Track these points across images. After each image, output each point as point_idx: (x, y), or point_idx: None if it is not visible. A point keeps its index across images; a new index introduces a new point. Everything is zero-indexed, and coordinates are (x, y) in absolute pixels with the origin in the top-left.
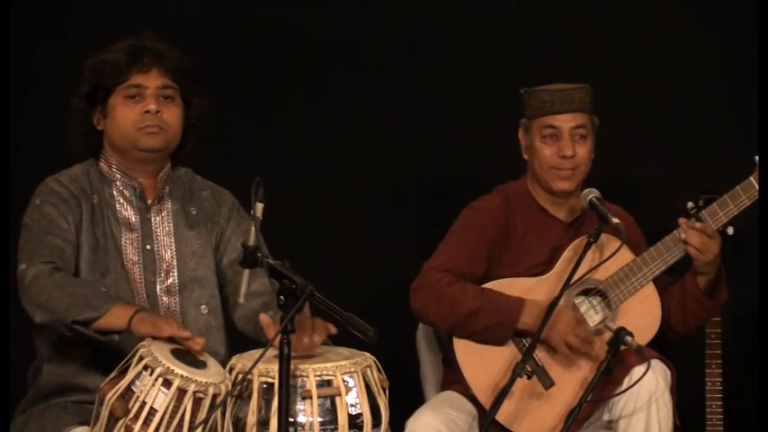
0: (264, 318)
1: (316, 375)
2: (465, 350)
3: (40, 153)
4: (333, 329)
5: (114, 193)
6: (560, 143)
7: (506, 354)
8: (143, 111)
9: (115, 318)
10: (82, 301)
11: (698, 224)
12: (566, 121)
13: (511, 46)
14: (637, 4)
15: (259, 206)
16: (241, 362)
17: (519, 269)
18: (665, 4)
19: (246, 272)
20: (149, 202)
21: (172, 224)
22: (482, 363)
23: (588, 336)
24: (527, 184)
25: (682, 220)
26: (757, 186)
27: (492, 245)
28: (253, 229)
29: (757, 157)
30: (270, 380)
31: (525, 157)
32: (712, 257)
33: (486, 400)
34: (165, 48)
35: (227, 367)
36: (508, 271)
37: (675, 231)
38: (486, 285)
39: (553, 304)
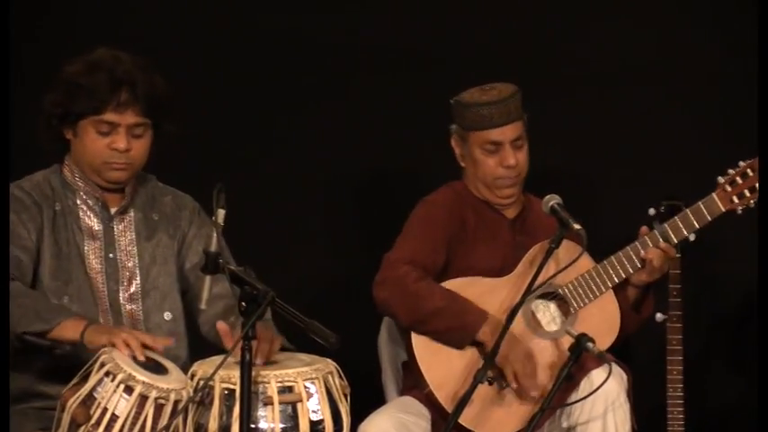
0: (222, 325)
1: (277, 381)
2: (424, 350)
3: (42, 153)
4: (279, 344)
5: (78, 201)
6: (502, 154)
7: (466, 353)
8: (112, 146)
9: (66, 330)
10: (32, 314)
11: (663, 245)
12: (506, 134)
13: (462, 42)
14: (606, 8)
15: (221, 212)
16: (202, 368)
17: (470, 261)
18: (635, 10)
19: (208, 278)
20: (113, 211)
21: (134, 233)
22: (441, 362)
23: (534, 374)
24: (467, 185)
25: (643, 230)
26: (720, 203)
27: (450, 235)
28: (214, 234)
29: (720, 178)
30: (231, 386)
31: (462, 164)
32: (661, 275)
33: (446, 400)
34: (143, 78)
35: (189, 373)
36: (463, 261)
37: (637, 242)
38: (448, 282)
39: (515, 310)
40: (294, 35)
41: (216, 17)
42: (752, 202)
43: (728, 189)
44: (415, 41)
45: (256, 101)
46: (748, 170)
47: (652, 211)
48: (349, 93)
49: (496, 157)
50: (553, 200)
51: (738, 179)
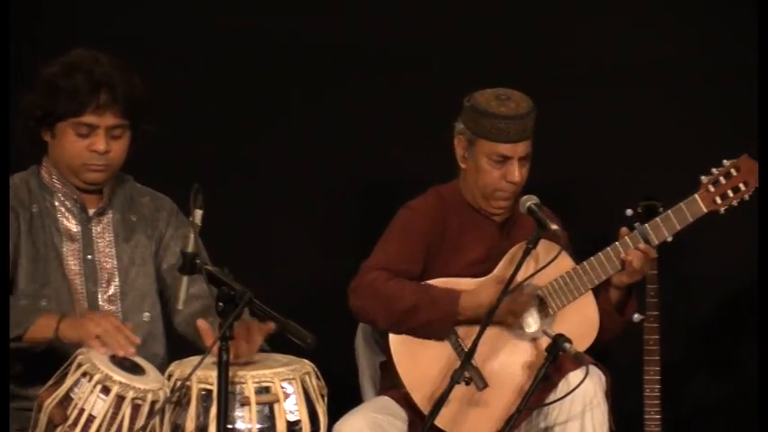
0: (202, 323)
1: (254, 382)
2: (401, 351)
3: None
4: (271, 327)
5: (56, 203)
6: (508, 168)
7: (443, 354)
8: (91, 148)
9: (41, 329)
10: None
11: (643, 246)
12: (518, 151)
13: (452, 49)
14: (587, 9)
15: (198, 213)
16: (180, 368)
17: (455, 267)
18: (616, 11)
19: (185, 278)
20: (91, 212)
21: (113, 234)
22: (418, 364)
23: (523, 297)
24: (459, 187)
25: (624, 231)
26: (702, 204)
27: (429, 243)
28: (192, 235)
29: (703, 177)
30: (208, 386)
31: (462, 165)
32: (642, 276)
33: (422, 401)
34: (121, 79)
35: (166, 374)
36: (444, 269)
37: (617, 243)
38: (427, 282)
39: (493, 309)
40: (287, 38)
41: (208, 19)
42: (735, 202)
43: (711, 189)
44: (408, 45)
45: (248, 104)
46: (732, 170)
47: (629, 212)
48: (342, 97)
49: (502, 170)
50: (530, 200)
51: (722, 179)
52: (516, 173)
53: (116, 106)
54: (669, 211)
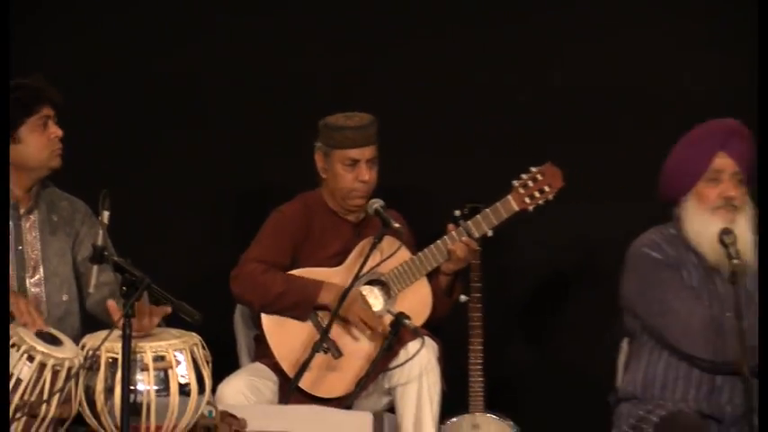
0: (111, 304)
1: (152, 351)
2: (271, 327)
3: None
4: (168, 310)
5: None
6: (359, 170)
7: (305, 330)
8: (52, 136)
9: None
10: None
11: (465, 239)
12: (364, 154)
13: (313, 68)
14: (415, 18)
15: (105, 213)
16: (91, 340)
17: (317, 260)
18: (442, 15)
19: (95, 267)
20: (21, 211)
21: (38, 230)
22: (285, 337)
23: (372, 312)
24: (322, 194)
25: (450, 227)
26: (514, 203)
27: (295, 240)
28: (101, 232)
29: (514, 182)
30: (115, 355)
31: (323, 176)
32: (465, 264)
33: (289, 367)
34: (48, 84)
35: (80, 344)
36: (308, 261)
37: (446, 236)
38: (293, 272)
39: (346, 292)
40: (178, 54)
41: (110, 29)
42: (541, 201)
43: (521, 191)
44: (274, 70)
45: (149, 118)
46: (538, 175)
47: (457, 213)
48: (228, 115)
49: (354, 173)
50: (376, 203)
51: (530, 183)
52: (365, 173)
53: (53, 97)
54: (487, 210)
